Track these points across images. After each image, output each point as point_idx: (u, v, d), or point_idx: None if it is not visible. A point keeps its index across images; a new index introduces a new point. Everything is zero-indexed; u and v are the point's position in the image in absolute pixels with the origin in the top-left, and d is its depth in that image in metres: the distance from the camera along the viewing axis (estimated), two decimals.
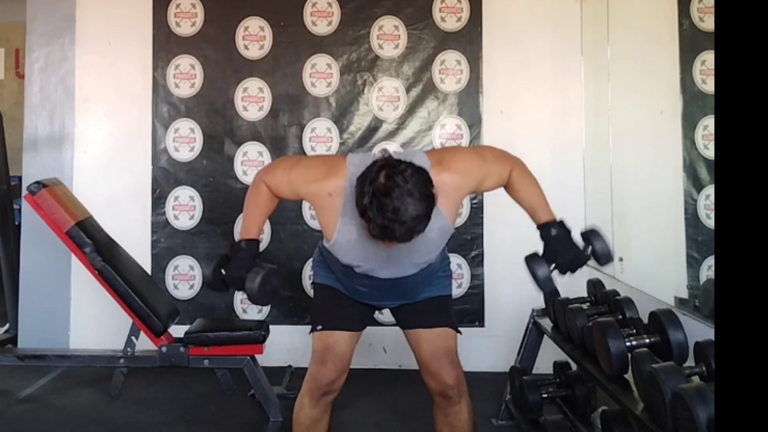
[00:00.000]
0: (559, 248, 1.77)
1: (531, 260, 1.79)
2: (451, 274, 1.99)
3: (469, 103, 3.46)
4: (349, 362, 1.89)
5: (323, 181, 1.71)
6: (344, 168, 1.70)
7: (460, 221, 3.44)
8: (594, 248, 1.79)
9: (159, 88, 3.53)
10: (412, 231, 1.52)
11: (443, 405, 1.89)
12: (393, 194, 1.48)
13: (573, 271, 1.78)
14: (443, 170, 1.70)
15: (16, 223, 3.71)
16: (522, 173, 1.84)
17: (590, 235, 1.82)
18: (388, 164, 1.54)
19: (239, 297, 3.51)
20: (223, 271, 1.84)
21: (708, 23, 2.96)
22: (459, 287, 3.42)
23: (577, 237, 1.81)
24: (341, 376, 1.86)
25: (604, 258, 1.79)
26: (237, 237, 3.48)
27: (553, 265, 1.76)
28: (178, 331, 2.83)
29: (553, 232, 1.78)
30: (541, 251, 1.80)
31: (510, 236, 3.42)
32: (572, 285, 2.79)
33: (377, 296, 1.89)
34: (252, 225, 1.86)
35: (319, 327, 1.88)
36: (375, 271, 1.79)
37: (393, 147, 3.43)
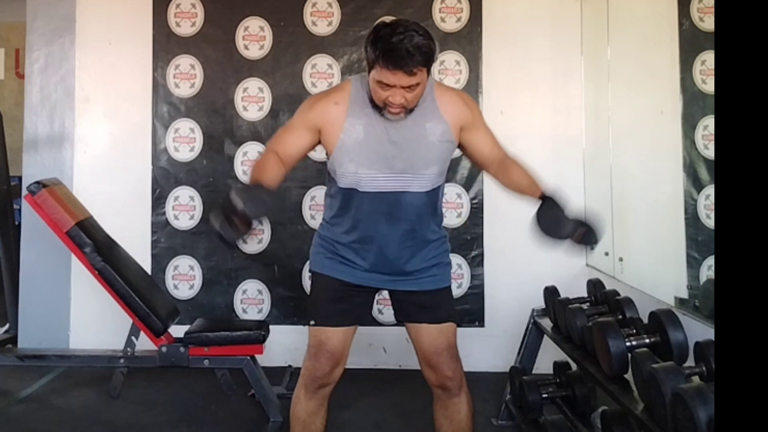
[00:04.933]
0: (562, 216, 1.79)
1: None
2: (450, 262, 1.97)
3: None
4: (343, 356, 1.88)
5: (327, 95, 1.84)
6: (346, 81, 1.87)
7: (459, 221, 3.44)
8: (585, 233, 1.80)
9: (159, 88, 3.54)
10: (418, 50, 1.61)
11: (443, 398, 1.90)
12: (398, 29, 1.63)
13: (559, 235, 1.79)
14: (445, 88, 1.89)
15: (16, 223, 3.71)
16: (515, 158, 1.91)
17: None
18: (390, 21, 1.70)
19: (239, 297, 3.52)
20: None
21: (708, 23, 2.96)
22: (459, 287, 3.42)
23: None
24: (335, 370, 1.87)
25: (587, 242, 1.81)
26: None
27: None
28: (178, 331, 2.83)
29: (556, 200, 1.81)
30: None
31: (510, 236, 3.42)
32: (572, 285, 2.82)
33: (375, 233, 1.82)
34: (258, 173, 1.74)
35: (312, 322, 1.88)
36: (377, 181, 1.78)
37: None
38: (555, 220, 1.77)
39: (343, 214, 1.86)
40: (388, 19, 1.75)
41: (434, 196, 1.87)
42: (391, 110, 1.70)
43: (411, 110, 1.73)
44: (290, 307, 3.49)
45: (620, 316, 2.09)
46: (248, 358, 2.69)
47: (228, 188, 3.49)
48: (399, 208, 1.81)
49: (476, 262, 3.45)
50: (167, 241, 3.52)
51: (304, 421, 1.88)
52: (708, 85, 2.95)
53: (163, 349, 2.70)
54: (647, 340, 1.79)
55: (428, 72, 1.69)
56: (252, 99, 3.52)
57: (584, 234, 1.78)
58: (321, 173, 3.33)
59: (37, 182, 2.76)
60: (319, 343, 1.85)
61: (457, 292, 3.39)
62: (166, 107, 3.54)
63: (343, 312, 1.88)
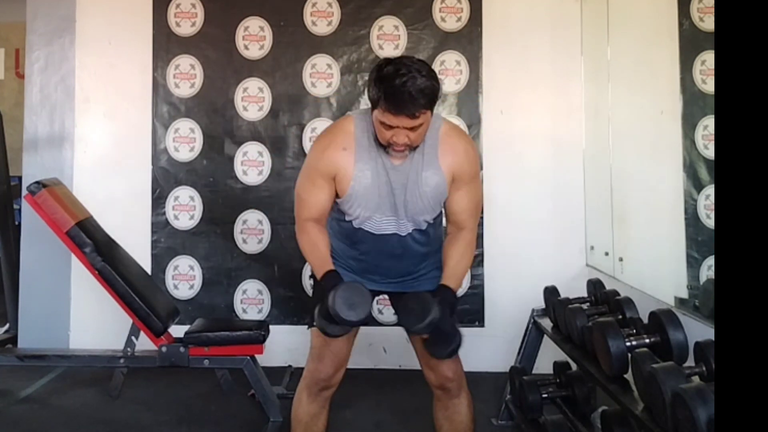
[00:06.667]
0: (446, 313, 1.72)
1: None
2: None
3: (468, 104, 3.46)
4: (346, 358, 1.89)
5: (334, 140, 1.79)
6: (348, 119, 1.82)
7: None
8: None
9: (159, 88, 3.54)
10: (421, 93, 1.59)
11: (443, 398, 1.91)
12: (401, 71, 1.60)
13: (421, 331, 1.70)
14: (452, 135, 1.82)
15: (16, 223, 3.71)
16: (473, 239, 1.90)
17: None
18: (394, 59, 1.67)
19: (239, 297, 3.52)
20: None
21: (708, 23, 2.96)
22: (459, 287, 3.41)
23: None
24: (338, 372, 1.88)
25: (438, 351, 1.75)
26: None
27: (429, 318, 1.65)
28: (178, 331, 2.83)
29: (450, 297, 1.77)
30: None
31: (510, 236, 3.43)
32: (572, 285, 2.82)
33: (378, 266, 1.88)
34: (319, 261, 1.78)
35: (316, 323, 1.88)
36: (381, 224, 1.81)
37: None
38: (423, 309, 1.65)
39: (347, 244, 1.90)
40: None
41: (434, 226, 1.90)
42: (395, 149, 1.70)
43: (415, 147, 1.73)
44: (290, 307, 3.48)
45: (620, 316, 2.09)
46: (248, 358, 2.69)
47: (228, 188, 3.50)
48: (401, 246, 1.85)
49: (476, 262, 3.44)
50: (167, 241, 3.52)
51: (306, 423, 1.89)
52: (708, 85, 2.95)
53: (163, 349, 2.70)
54: (647, 340, 1.79)
55: (432, 111, 1.69)
56: (252, 99, 3.52)
57: (435, 341, 1.71)
58: None
59: (37, 182, 2.76)
60: (322, 344, 1.86)
61: (457, 292, 3.38)
62: (166, 107, 3.54)
63: None
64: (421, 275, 1.92)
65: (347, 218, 1.84)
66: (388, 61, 1.66)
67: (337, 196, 1.82)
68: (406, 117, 1.61)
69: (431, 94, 1.63)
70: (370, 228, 1.83)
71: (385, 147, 1.72)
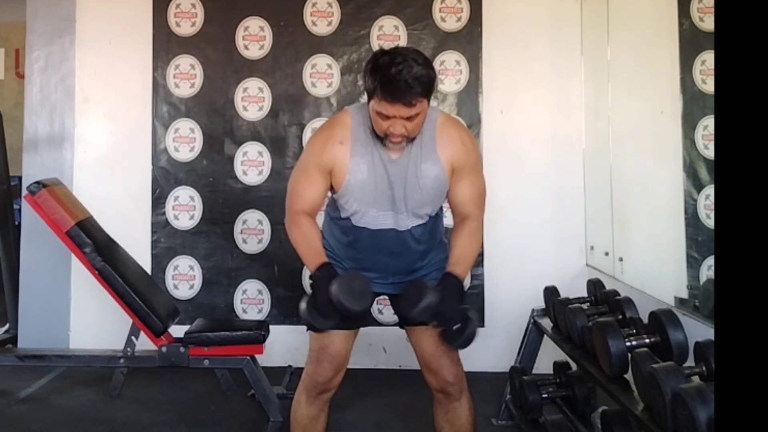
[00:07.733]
0: (451, 298, 1.69)
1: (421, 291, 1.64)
2: None
3: (468, 104, 3.46)
4: (345, 361, 1.88)
5: (331, 134, 1.78)
6: (345, 113, 1.83)
7: None
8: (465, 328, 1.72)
9: (159, 88, 3.53)
10: (417, 81, 1.59)
11: (444, 402, 1.90)
12: (397, 60, 1.60)
13: (445, 324, 1.70)
14: (449, 126, 1.81)
15: (16, 223, 3.71)
16: (479, 227, 1.85)
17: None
18: (390, 49, 1.67)
19: (239, 297, 3.52)
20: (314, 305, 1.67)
21: (708, 23, 2.96)
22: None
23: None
24: (337, 375, 1.87)
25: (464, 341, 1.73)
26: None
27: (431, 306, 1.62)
28: (178, 331, 2.83)
29: (454, 283, 1.72)
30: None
31: (510, 236, 3.43)
32: (572, 285, 2.82)
33: (376, 263, 1.85)
34: (312, 253, 1.75)
35: (302, 317, 1.87)
36: (378, 219, 1.80)
37: None
38: (417, 294, 1.62)
39: (344, 244, 1.88)
40: (387, 44, 1.74)
41: (434, 221, 1.88)
42: (392, 140, 1.69)
43: (412, 139, 1.72)
44: (290, 307, 3.48)
45: (620, 316, 2.09)
46: (248, 358, 2.69)
47: (228, 188, 3.50)
48: (399, 243, 1.83)
49: (476, 262, 3.44)
50: (167, 241, 3.52)
51: (305, 426, 1.88)
52: (708, 85, 2.95)
53: (163, 349, 2.70)
54: (647, 340, 1.79)
55: (428, 101, 1.68)
56: (252, 99, 3.52)
57: (446, 332, 1.69)
58: None
59: (37, 182, 2.76)
60: (321, 347, 1.85)
61: None
62: (166, 107, 3.54)
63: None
64: (421, 276, 1.90)
65: (343, 215, 1.83)
66: (384, 51, 1.66)
67: (333, 190, 1.82)
68: (402, 105, 1.61)
69: (427, 83, 1.62)
70: (366, 224, 1.81)
71: (382, 139, 1.71)
